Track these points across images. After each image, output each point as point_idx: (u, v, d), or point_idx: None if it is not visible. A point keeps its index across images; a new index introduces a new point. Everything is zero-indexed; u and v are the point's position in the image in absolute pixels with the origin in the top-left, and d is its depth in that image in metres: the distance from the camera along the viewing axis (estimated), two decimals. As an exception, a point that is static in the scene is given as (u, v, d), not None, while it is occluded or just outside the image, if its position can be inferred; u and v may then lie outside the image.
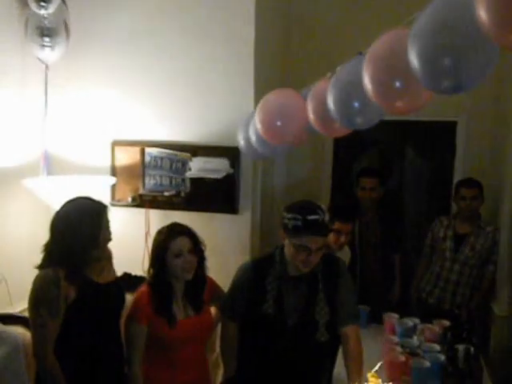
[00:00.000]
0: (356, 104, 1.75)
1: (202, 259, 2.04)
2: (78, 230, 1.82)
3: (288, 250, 1.95)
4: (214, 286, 2.17)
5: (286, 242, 1.95)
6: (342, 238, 2.55)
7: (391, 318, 2.62)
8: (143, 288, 2.02)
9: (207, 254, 2.39)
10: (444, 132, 3.60)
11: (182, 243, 1.95)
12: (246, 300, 2.02)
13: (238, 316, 2.09)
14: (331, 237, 2.53)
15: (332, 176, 3.83)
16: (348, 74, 1.75)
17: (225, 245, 3.05)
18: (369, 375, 1.86)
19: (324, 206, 1.95)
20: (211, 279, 2.15)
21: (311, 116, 1.98)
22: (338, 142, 3.73)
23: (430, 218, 3.25)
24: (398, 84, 1.50)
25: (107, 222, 1.93)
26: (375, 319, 2.71)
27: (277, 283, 1.98)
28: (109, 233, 1.94)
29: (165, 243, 1.94)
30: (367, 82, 1.56)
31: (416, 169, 3.76)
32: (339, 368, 2.16)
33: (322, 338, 1.99)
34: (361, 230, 3.10)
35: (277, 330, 1.98)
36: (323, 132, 2.03)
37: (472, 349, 2.17)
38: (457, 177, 3.48)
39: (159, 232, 2.03)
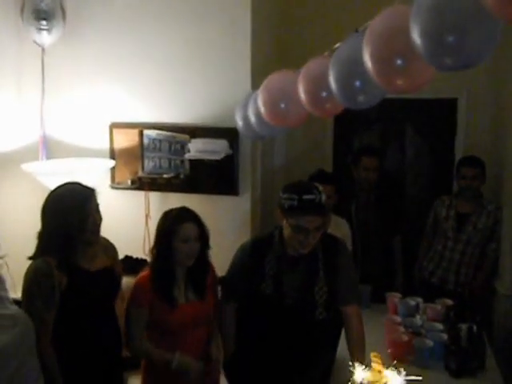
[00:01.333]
0: (357, 82, 1.71)
1: (206, 246, 2.03)
2: (65, 217, 1.81)
3: (286, 231, 1.95)
4: (215, 273, 2.16)
5: (284, 222, 1.94)
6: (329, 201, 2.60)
7: (394, 297, 2.64)
8: (144, 272, 2.03)
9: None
10: (445, 109, 3.55)
11: (190, 229, 1.95)
12: (245, 279, 2.03)
13: (237, 296, 2.11)
14: None
15: (333, 155, 3.80)
16: (348, 52, 1.71)
17: (225, 226, 3.05)
18: (372, 355, 1.87)
19: (321, 187, 1.94)
20: (211, 266, 2.14)
21: (302, 96, 1.94)
22: (338, 121, 3.69)
23: (431, 198, 3.22)
24: (399, 62, 1.47)
25: (96, 205, 1.92)
26: (377, 299, 2.71)
27: (275, 262, 1.98)
28: (99, 217, 1.92)
29: (173, 227, 1.93)
30: (367, 59, 1.53)
31: (417, 147, 3.72)
32: (343, 352, 2.16)
33: (320, 317, 2.00)
34: (358, 210, 3.08)
35: (275, 309, 1.98)
36: (314, 112, 2.00)
37: (475, 327, 2.17)
38: (458, 155, 3.44)
39: (167, 215, 2.01)
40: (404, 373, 1.71)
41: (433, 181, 3.69)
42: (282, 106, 2.12)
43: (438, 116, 3.59)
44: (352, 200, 3.11)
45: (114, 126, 3.23)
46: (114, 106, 3.23)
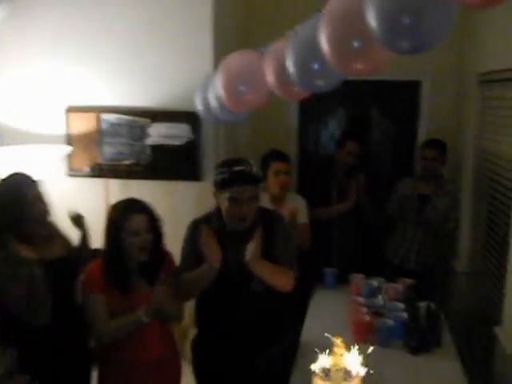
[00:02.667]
0: (316, 66, 1.71)
1: (159, 236, 1.99)
2: (2, 210, 1.79)
3: (223, 207, 2.00)
4: (172, 263, 2.11)
5: (220, 199, 2.00)
6: (283, 177, 2.73)
7: (357, 278, 2.70)
8: (96, 261, 1.98)
9: (171, 223, 2.37)
10: (409, 92, 3.62)
11: (139, 221, 1.89)
12: (194, 259, 2.01)
13: None
14: (271, 179, 2.74)
15: (298, 137, 3.82)
16: (307, 34, 1.69)
17: (189, 213, 3.00)
18: (334, 339, 1.91)
19: (252, 161, 2.02)
20: (168, 254, 2.10)
21: (270, 78, 1.93)
22: (304, 104, 3.70)
23: (395, 180, 3.30)
24: (355, 44, 1.47)
25: (38, 195, 1.88)
26: (344, 280, 2.77)
27: (216, 239, 1.98)
28: (43, 207, 1.88)
29: (120, 221, 1.88)
30: (324, 42, 1.52)
31: (381, 130, 3.78)
32: (307, 338, 2.22)
33: (257, 289, 2.03)
34: (338, 196, 3.11)
35: (223, 285, 1.99)
36: (283, 96, 1.99)
37: (433, 306, 2.26)
38: (421, 137, 3.53)
39: (114, 208, 1.97)
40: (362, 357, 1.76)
41: (396, 163, 3.77)
42: (242, 88, 2.09)
43: (403, 98, 3.66)
44: (332, 183, 3.15)
45: (70, 109, 3.13)
46: (69, 89, 3.13)
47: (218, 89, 2.17)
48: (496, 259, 2.60)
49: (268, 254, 2.02)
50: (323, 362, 1.75)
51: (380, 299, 2.51)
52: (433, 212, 3.05)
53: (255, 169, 1.97)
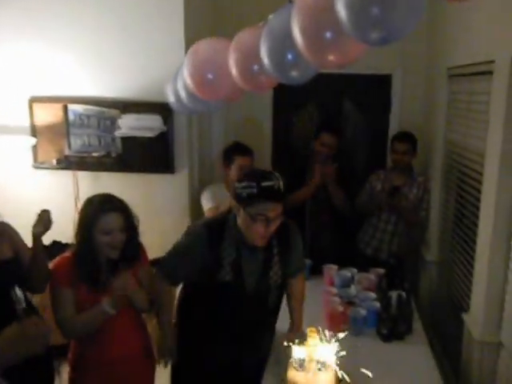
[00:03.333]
0: (290, 56, 1.71)
1: (134, 234, 1.95)
2: None
3: (243, 222, 1.88)
4: (144, 252, 2.10)
5: (241, 213, 1.87)
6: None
7: (330, 269, 2.75)
8: (66, 254, 1.94)
9: (143, 216, 2.34)
10: (380, 86, 3.68)
11: (113, 220, 1.85)
12: (199, 267, 1.95)
13: (180, 281, 2.06)
14: (235, 174, 2.74)
15: (273, 129, 3.84)
16: (280, 24, 1.69)
17: (162, 206, 3.02)
18: (308, 330, 1.95)
19: (277, 174, 1.89)
20: (142, 247, 2.08)
21: (233, 70, 1.91)
22: (277, 95, 3.73)
23: (368, 172, 3.36)
24: (328, 36, 1.48)
25: None
26: (318, 271, 2.81)
27: (234, 249, 1.94)
28: None
29: (94, 218, 1.84)
30: (296, 33, 1.53)
31: (354, 123, 3.84)
32: (281, 329, 2.24)
33: (272, 302, 2.08)
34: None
35: (235, 296, 1.97)
36: (246, 87, 1.97)
37: (404, 295, 2.33)
38: (392, 130, 3.61)
39: (89, 202, 1.91)
40: (337, 346, 1.80)
41: (369, 155, 3.84)
42: (210, 77, 2.06)
43: (374, 92, 3.72)
44: (306, 172, 3.17)
45: (34, 100, 3.05)
46: (33, 79, 3.04)
47: (185, 77, 2.14)
48: (464, 249, 2.69)
49: (283, 265, 2.04)
50: (297, 353, 1.78)
51: (353, 289, 2.56)
52: (405, 202, 3.13)
53: (282, 183, 1.85)
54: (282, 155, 3.86)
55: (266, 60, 1.74)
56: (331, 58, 1.56)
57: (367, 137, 3.83)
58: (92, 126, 3.06)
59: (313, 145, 3.19)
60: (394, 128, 3.62)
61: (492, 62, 2.17)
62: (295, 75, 1.77)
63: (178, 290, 2.24)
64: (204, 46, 2.17)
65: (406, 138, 3.11)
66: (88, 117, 3.07)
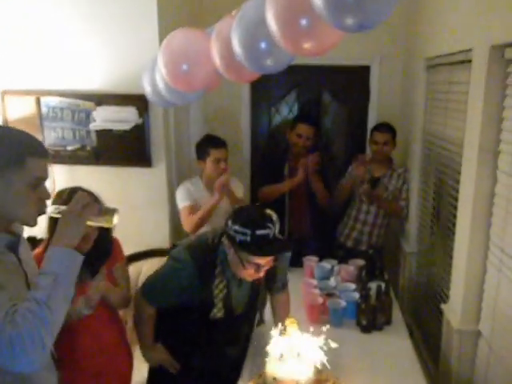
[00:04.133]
0: (263, 45, 1.68)
1: (107, 229, 1.88)
2: None
3: (233, 262, 1.83)
4: (118, 248, 2.07)
5: (232, 252, 1.81)
6: (222, 165, 2.75)
7: (310, 261, 2.74)
8: (39, 248, 1.91)
9: (120, 210, 2.27)
10: (359, 77, 3.68)
11: None
12: (189, 301, 1.89)
13: (163, 307, 1.98)
14: (211, 167, 2.77)
15: (251, 121, 3.82)
16: (254, 12, 1.66)
17: (139, 200, 2.97)
18: (287, 321, 1.94)
19: (275, 217, 1.83)
20: (116, 241, 2.06)
21: (217, 60, 1.89)
22: (255, 86, 3.71)
23: (347, 163, 3.36)
24: (303, 23, 1.46)
25: None
26: (298, 263, 2.80)
27: (224, 285, 1.90)
28: None
29: None
30: (271, 21, 1.50)
31: (334, 114, 3.84)
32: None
33: (260, 321, 2.12)
34: (290, 175, 3.12)
35: (224, 324, 1.97)
36: (231, 78, 1.95)
37: (383, 285, 2.34)
38: (371, 121, 3.61)
39: (59, 195, 1.88)
40: (317, 337, 1.79)
41: (348, 147, 3.84)
42: (185, 67, 2.02)
43: (353, 83, 3.71)
44: (285, 163, 3.15)
45: (6, 92, 2.96)
46: (5, 71, 2.96)
47: (161, 68, 2.11)
48: (443, 239, 2.71)
49: (269, 285, 2.04)
50: (277, 344, 1.78)
51: (332, 281, 2.57)
52: (385, 193, 3.14)
53: (278, 228, 1.79)
54: (261, 148, 3.84)
55: (237, 49, 1.71)
56: (307, 45, 1.54)
57: (346, 128, 3.83)
58: (66, 119, 3.00)
59: (288, 136, 3.17)
60: (373, 119, 3.63)
61: (470, 50, 2.18)
62: (269, 64, 1.74)
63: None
64: (178, 36, 2.13)
65: (386, 128, 3.12)
66: (62, 109, 3.00)
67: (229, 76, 1.96)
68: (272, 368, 1.74)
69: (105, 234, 1.88)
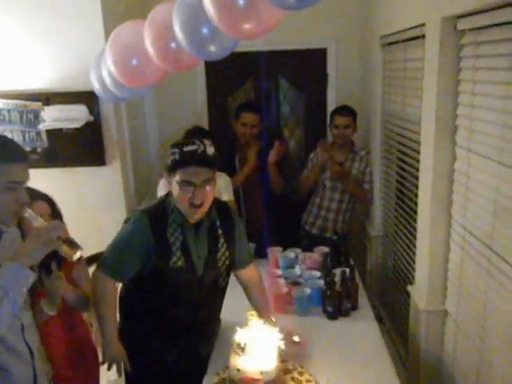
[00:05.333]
0: (205, 30, 1.63)
1: None
2: None
3: (175, 194, 1.85)
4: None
5: (173, 185, 1.84)
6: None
7: (274, 251, 2.71)
8: None
9: (76, 212, 2.20)
10: (316, 60, 3.64)
11: (40, 209, 1.76)
12: (150, 255, 1.86)
13: (126, 277, 1.93)
14: None
15: (208, 111, 3.75)
16: (192, -1, 1.61)
17: (96, 200, 2.89)
18: (248, 314, 1.91)
19: (208, 141, 1.86)
20: None
21: (150, 49, 1.82)
22: (210, 76, 3.67)
23: (309, 149, 3.33)
24: (240, 3, 1.42)
25: None
26: (263, 254, 2.77)
27: (180, 232, 1.88)
28: None
29: None
30: (208, 4, 1.46)
31: (292, 99, 3.81)
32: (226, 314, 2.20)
33: (223, 284, 2.03)
34: (241, 165, 3.09)
35: (187, 280, 1.91)
36: (166, 67, 1.90)
37: (347, 271, 2.32)
38: (331, 105, 3.59)
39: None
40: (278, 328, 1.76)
41: (309, 132, 3.82)
42: (134, 62, 1.97)
43: (310, 67, 3.68)
44: (235, 154, 3.10)
45: None
46: None
47: (108, 65, 2.03)
48: (407, 221, 2.71)
49: (229, 248, 1.99)
50: (239, 337, 1.74)
51: (297, 269, 2.54)
52: (347, 178, 3.12)
53: (210, 149, 1.82)
54: (220, 139, 3.77)
55: (180, 36, 1.66)
56: (247, 26, 1.50)
57: (306, 113, 3.80)
58: (14, 121, 2.88)
59: (233, 126, 3.12)
60: (332, 102, 3.60)
61: (423, 25, 2.16)
62: (213, 50, 1.69)
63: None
64: (125, 30, 2.07)
65: (346, 111, 3.09)
66: (9, 111, 2.88)
67: (164, 65, 1.89)
68: (235, 360, 1.70)
69: None
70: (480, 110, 1.83)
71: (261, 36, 1.56)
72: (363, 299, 2.42)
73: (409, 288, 2.49)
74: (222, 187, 2.69)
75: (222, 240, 1.98)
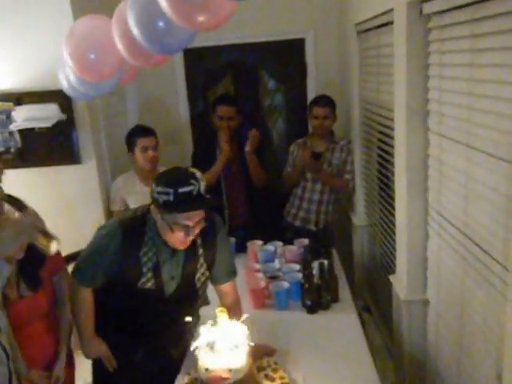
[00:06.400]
0: (160, 23, 1.61)
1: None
2: None
3: (162, 228, 1.78)
4: (56, 258, 1.98)
5: (159, 217, 1.76)
6: (151, 153, 2.77)
7: (254, 245, 2.70)
8: None
9: (53, 211, 2.17)
10: (294, 51, 3.63)
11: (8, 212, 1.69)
12: (118, 271, 1.84)
13: (97, 284, 1.91)
14: (139, 157, 2.77)
15: (190, 109, 3.73)
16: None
17: (72, 199, 2.88)
18: (217, 310, 1.88)
19: (199, 174, 1.75)
20: (58, 253, 1.95)
21: (119, 45, 1.80)
22: (190, 70, 3.65)
23: (290, 141, 3.31)
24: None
25: None
26: (244, 249, 2.76)
27: (154, 252, 1.84)
28: None
29: None
30: (161, -2, 1.44)
31: (271, 91, 3.79)
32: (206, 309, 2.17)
33: (203, 304, 2.03)
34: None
35: (156, 300, 1.90)
36: (137, 63, 1.88)
37: (326, 263, 2.30)
38: (311, 95, 3.56)
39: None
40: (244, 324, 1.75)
41: (290, 123, 3.80)
42: (92, 57, 1.95)
43: (289, 58, 3.67)
44: (215, 149, 3.08)
45: None
46: None
47: (66, 58, 2.01)
48: (387, 210, 2.69)
49: (209, 264, 1.94)
50: (207, 335, 1.72)
51: (276, 263, 2.53)
52: (329, 168, 3.10)
53: (203, 185, 1.71)
54: (202, 136, 3.76)
55: (134, 30, 1.64)
56: (201, 18, 1.48)
57: (286, 105, 3.78)
58: (-14, 122, 2.86)
59: (212, 122, 3.10)
60: (312, 92, 3.58)
61: (392, 10, 2.14)
62: (169, 42, 1.67)
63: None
64: (84, 23, 2.05)
65: (325, 101, 3.06)
66: (-19, 113, 2.86)
67: (135, 61, 1.87)
68: (203, 359, 1.68)
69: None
70: (448, 94, 1.81)
71: (216, 28, 1.54)
72: (345, 291, 2.40)
73: (390, 278, 2.48)
74: None
75: (201, 260, 1.93)
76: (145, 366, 2.00)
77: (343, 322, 2.20)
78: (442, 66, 1.83)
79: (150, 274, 1.84)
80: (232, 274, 2.03)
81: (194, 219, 1.72)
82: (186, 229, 1.73)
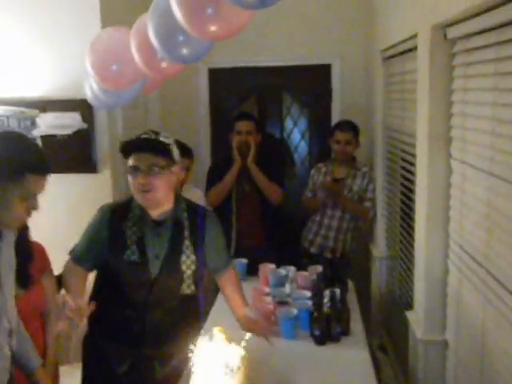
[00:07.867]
0: (178, 34, 1.65)
1: (25, 228, 1.83)
2: None
3: (131, 186, 1.91)
4: (45, 255, 2.00)
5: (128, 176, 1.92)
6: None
7: (266, 268, 2.63)
8: None
9: (64, 217, 2.19)
10: (320, 76, 3.66)
11: None
12: (106, 246, 1.93)
13: (91, 265, 1.99)
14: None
15: (211, 125, 3.80)
16: (163, 3, 1.63)
17: (85, 208, 2.86)
18: (217, 329, 1.83)
19: (165, 134, 1.94)
20: (42, 247, 1.99)
21: (136, 56, 1.86)
22: (214, 89, 3.72)
23: (312, 164, 3.29)
24: (207, 6, 1.45)
25: None
26: (255, 272, 2.70)
27: (137, 227, 1.92)
28: None
29: None
30: (175, 7, 1.48)
31: (295, 115, 3.82)
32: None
33: (187, 291, 1.97)
34: (238, 182, 3.05)
35: (140, 278, 1.91)
36: (151, 75, 1.94)
37: (338, 293, 2.21)
38: (334, 120, 3.55)
39: None
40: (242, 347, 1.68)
41: (312, 147, 3.80)
42: (114, 68, 2.01)
43: (314, 82, 3.72)
44: (230, 167, 3.08)
45: None
46: None
47: (88, 68, 2.07)
48: (409, 242, 2.59)
49: (197, 251, 1.97)
50: (200, 356, 1.67)
51: (287, 288, 2.45)
52: (349, 195, 3.05)
53: (165, 139, 1.89)
54: (220, 154, 3.77)
55: (154, 40, 1.69)
56: (213, 28, 1.52)
57: (309, 128, 3.78)
58: (12, 127, 2.96)
59: (230, 139, 3.11)
60: (336, 118, 3.58)
61: (416, 36, 2.12)
62: (187, 53, 1.71)
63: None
64: (106, 35, 2.15)
65: (348, 127, 3.04)
66: (7, 118, 2.96)
67: (149, 73, 1.93)
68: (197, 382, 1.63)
69: (23, 235, 1.82)
70: (471, 119, 1.76)
71: (228, 37, 1.57)
72: (357, 325, 2.27)
73: (407, 314, 2.36)
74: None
75: (187, 242, 1.96)
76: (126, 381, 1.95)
77: (353, 357, 2.07)
78: (465, 90, 1.79)
79: (134, 247, 1.91)
80: (228, 260, 2.15)
81: (146, 162, 1.84)
82: (135, 171, 1.84)
